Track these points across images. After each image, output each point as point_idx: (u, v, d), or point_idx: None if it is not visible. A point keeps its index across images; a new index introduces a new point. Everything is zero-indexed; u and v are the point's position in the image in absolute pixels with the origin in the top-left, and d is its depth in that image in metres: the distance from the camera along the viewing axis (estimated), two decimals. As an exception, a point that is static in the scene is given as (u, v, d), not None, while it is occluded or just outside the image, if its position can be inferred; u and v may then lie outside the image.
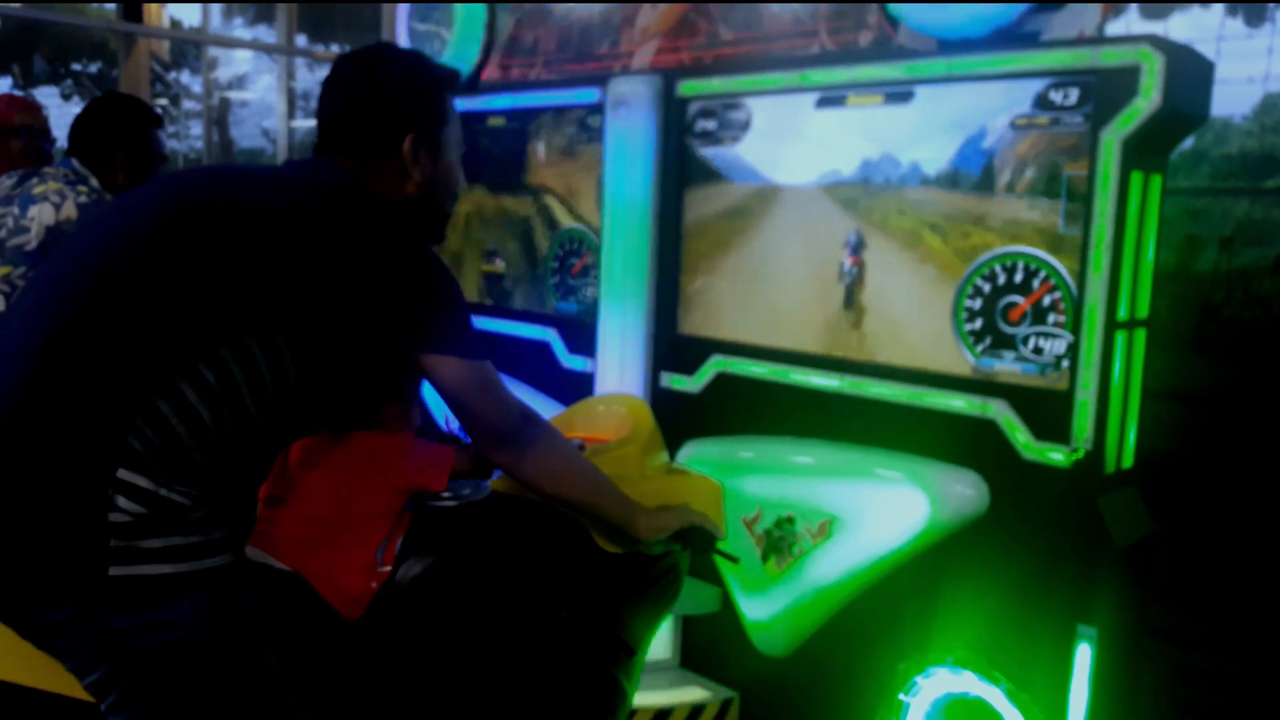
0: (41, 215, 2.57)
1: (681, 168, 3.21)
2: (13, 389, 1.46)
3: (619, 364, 3.29)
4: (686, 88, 3.15)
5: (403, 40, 4.07)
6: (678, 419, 3.10)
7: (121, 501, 1.42)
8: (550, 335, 3.60)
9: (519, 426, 1.75)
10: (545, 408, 2.98)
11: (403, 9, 4.09)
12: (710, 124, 3.15)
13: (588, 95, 3.41)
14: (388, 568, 1.85)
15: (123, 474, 1.42)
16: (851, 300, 2.81)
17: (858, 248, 2.79)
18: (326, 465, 1.86)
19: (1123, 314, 2.41)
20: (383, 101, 1.75)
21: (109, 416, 1.44)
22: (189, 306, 1.50)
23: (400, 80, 1.78)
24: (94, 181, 2.71)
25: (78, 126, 2.80)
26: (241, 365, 1.51)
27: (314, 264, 1.57)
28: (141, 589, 1.45)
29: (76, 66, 17.53)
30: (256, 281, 1.53)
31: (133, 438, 1.43)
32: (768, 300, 3.03)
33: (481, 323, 3.79)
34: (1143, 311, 2.49)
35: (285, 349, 1.55)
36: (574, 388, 3.37)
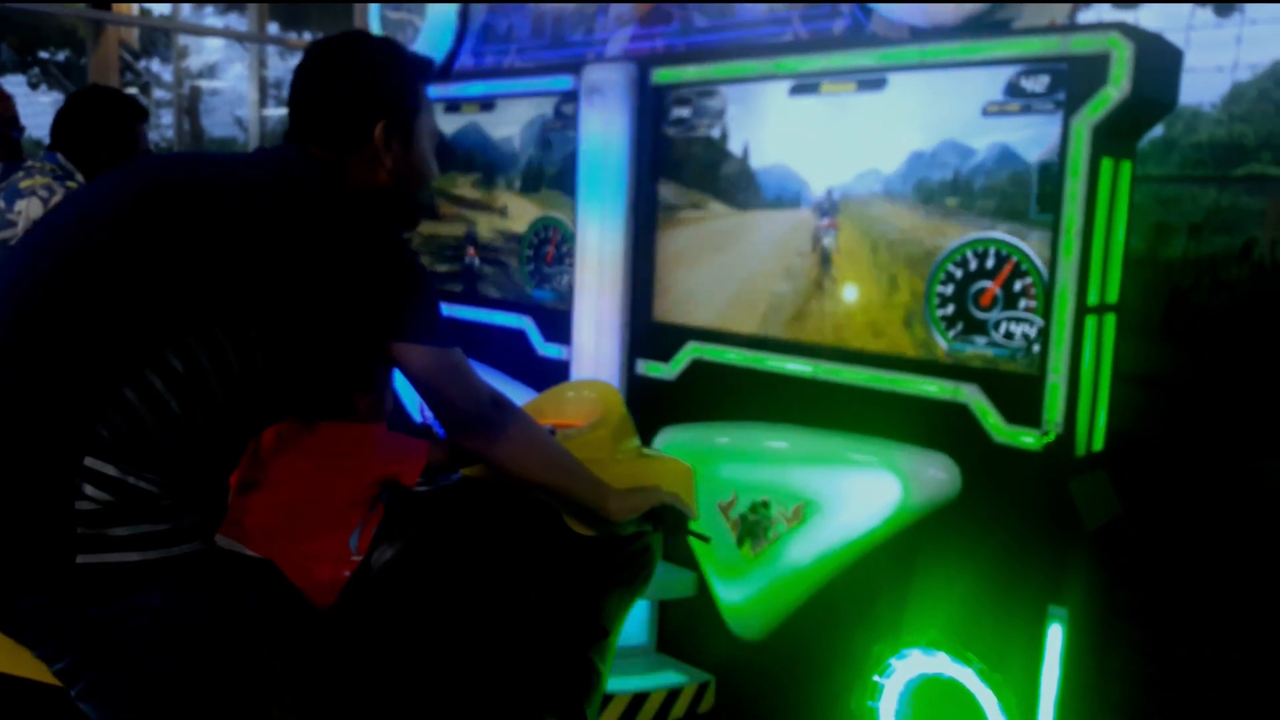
0: (29, 209, 2.56)
1: (656, 155, 3.21)
2: None
3: (594, 351, 3.30)
4: (661, 75, 3.16)
5: (375, 28, 4.06)
6: (654, 406, 3.11)
7: (89, 489, 1.42)
8: (525, 323, 3.60)
9: (489, 413, 1.75)
10: (521, 396, 3.00)
11: (375, 8, 4.07)
12: (685, 111, 3.16)
13: (562, 83, 3.41)
14: (360, 556, 1.85)
15: (90, 462, 1.42)
16: (824, 283, 2.83)
17: (825, 257, 2.82)
18: (298, 453, 1.86)
19: (1093, 299, 2.44)
20: (355, 88, 1.74)
21: (76, 405, 1.43)
22: (156, 295, 1.49)
23: (374, 67, 1.76)
24: (80, 176, 2.69)
25: (60, 121, 2.78)
26: (210, 354, 1.50)
27: (283, 252, 1.56)
28: (110, 577, 1.45)
29: (44, 54, 17.33)
30: (224, 270, 1.52)
31: (100, 426, 1.43)
32: (742, 287, 3.04)
33: (456, 311, 3.79)
34: (1113, 296, 2.52)
35: (254, 337, 1.54)
36: (549, 375, 3.37)
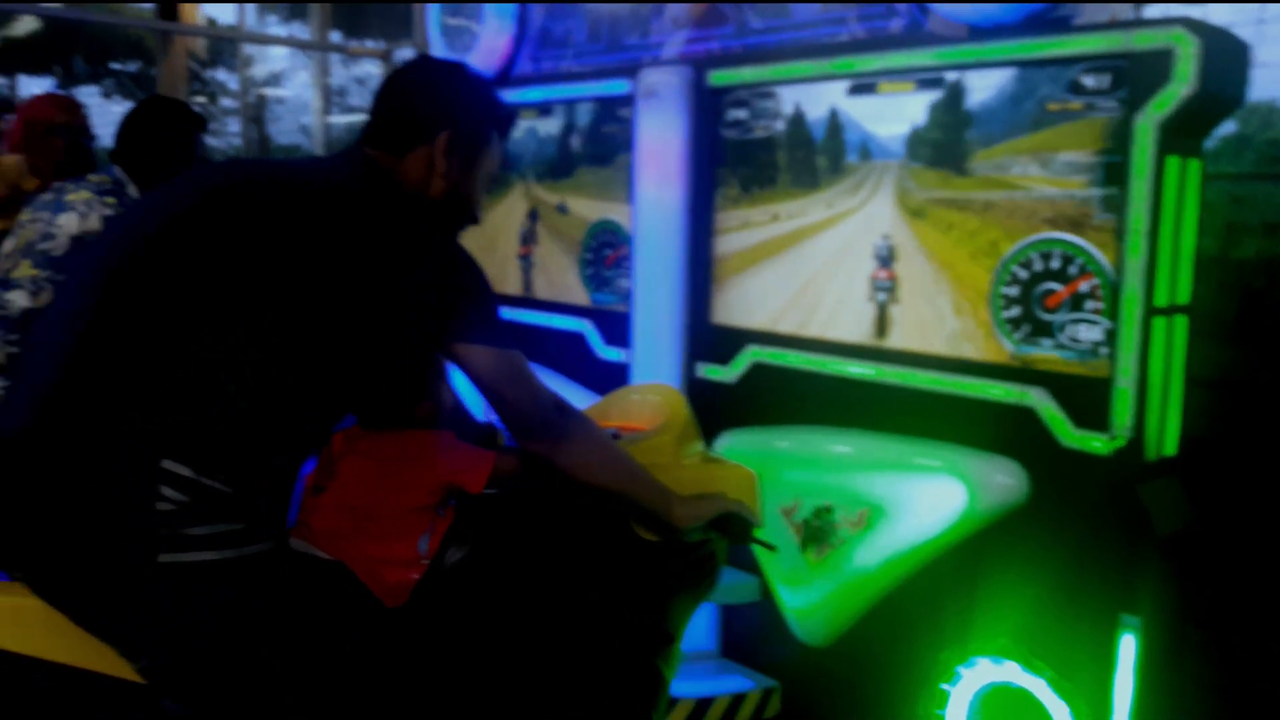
0: (68, 224, 2.67)
1: (713, 157, 3.20)
2: (57, 384, 1.49)
3: (654, 354, 3.30)
4: (717, 77, 3.15)
5: (435, 35, 4.09)
6: (714, 409, 3.10)
7: (167, 491, 1.46)
8: (585, 326, 3.61)
9: (552, 416, 1.77)
10: (581, 399, 3.00)
11: (434, 4, 4.11)
12: (741, 113, 3.14)
13: (618, 86, 3.41)
14: (429, 559, 1.87)
15: (167, 464, 1.46)
16: (886, 284, 2.80)
17: (888, 259, 2.79)
18: (364, 458, 1.89)
19: (1161, 300, 2.38)
20: (431, 97, 1.80)
21: (151, 408, 1.47)
22: (226, 299, 1.53)
23: (456, 86, 1.84)
24: (131, 190, 2.77)
25: (123, 131, 2.86)
26: (275, 355, 1.53)
27: (347, 254, 1.59)
28: (189, 575, 1.48)
29: (115, 66, 17.74)
30: (291, 272, 1.55)
31: (174, 428, 1.46)
32: (802, 289, 3.02)
33: (517, 314, 3.81)
34: (1183, 298, 2.46)
35: (321, 339, 1.57)
36: (609, 378, 3.38)
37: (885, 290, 2.81)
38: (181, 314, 1.51)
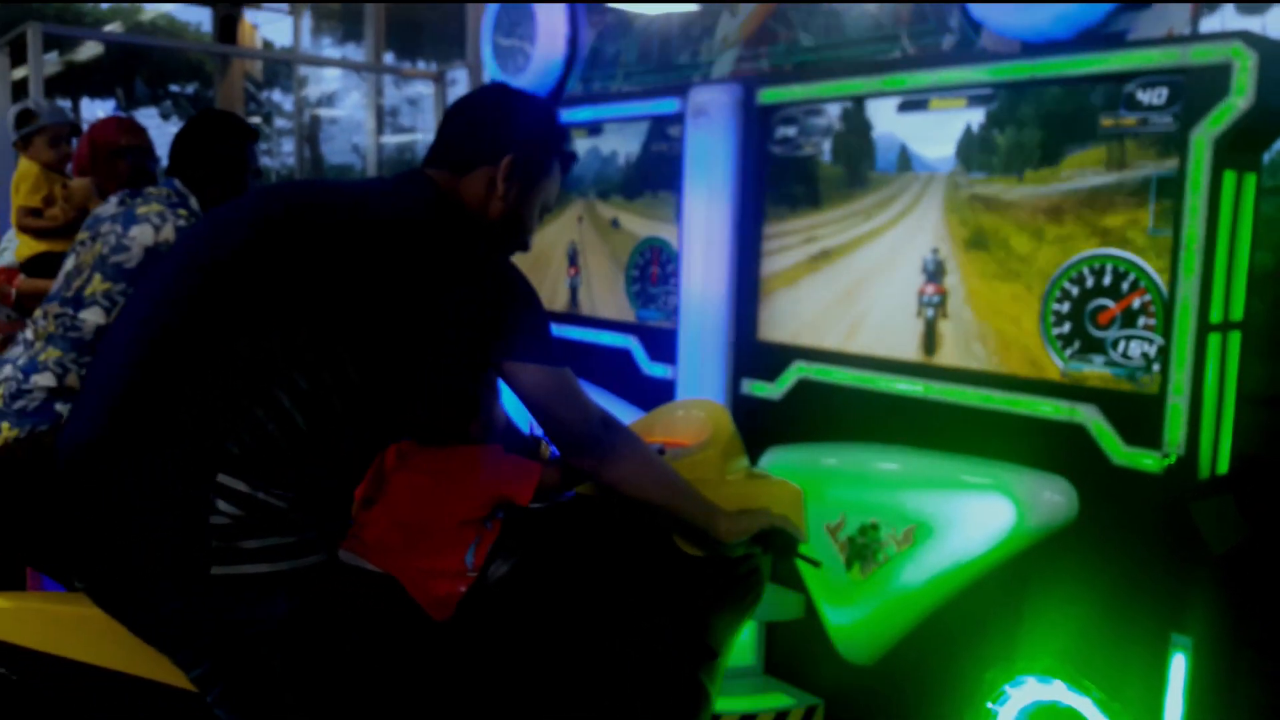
0: (142, 236, 2.65)
1: (761, 174, 3.21)
2: (120, 399, 1.53)
3: (699, 371, 3.31)
4: (767, 95, 3.16)
5: (488, 56, 4.15)
6: (759, 426, 3.10)
7: (221, 505, 1.48)
8: (631, 343, 3.62)
9: (600, 433, 1.78)
10: (627, 414, 3.01)
11: (488, 25, 4.16)
12: (791, 130, 3.15)
13: (668, 105, 3.44)
14: (475, 572, 1.88)
15: (222, 478, 1.49)
16: (934, 300, 2.79)
17: (936, 275, 2.78)
18: (415, 471, 1.91)
19: (1216, 316, 2.35)
20: (505, 121, 1.85)
21: (209, 424, 1.50)
22: (283, 315, 1.55)
23: (529, 116, 1.88)
24: (194, 203, 2.79)
25: (177, 144, 2.89)
26: (333, 372, 1.56)
27: (401, 273, 1.62)
28: (243, 587, 1.51)
29: (174, 88, 18.09)
30: (347, 289, 1.58)
31: (232, 443, 1.49)
32: (849, 305, 3.02)
33: (564, 330, 3.84)
34: (1237, 314, 2.43)
35: (375, 355, 1.59)
36: (655, 395, 3.39)
37: (933, 306, 2.80)
38: (244, 336, 1.54)
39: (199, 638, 1.54)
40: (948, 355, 2.78)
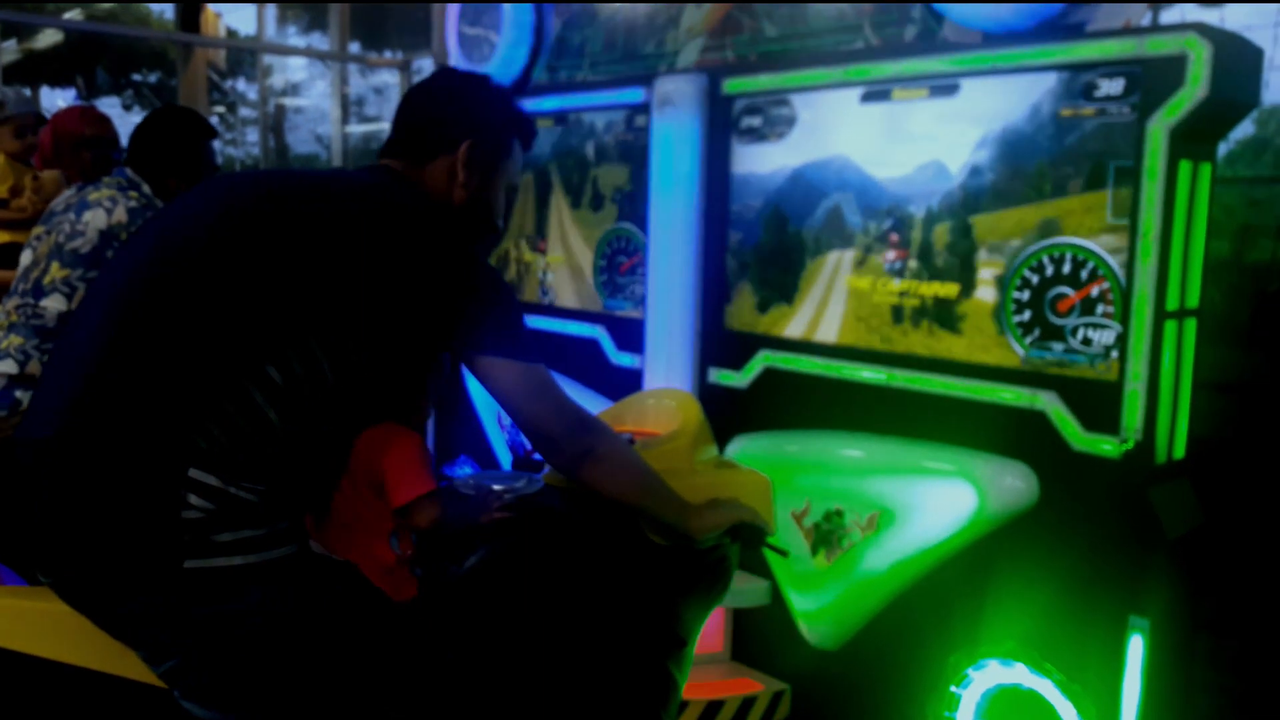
0: (95, 220, 2.68)
1: (726, 164, 3.23)
2: (83, 392, 1.51)
3: (667, 360, 3.32)
4: (731, 85, 3.18)
5: (452, 44, 4.13)
6: (726, 414, 3.12)
7: (193, 499, 1.47)
8: (598, 332, 3.63)
9: (576, 432, 1.75)
10: (595, 404, 3.03)
11: (452, 14, 4.15)
12: (755, 120, 3.17)
13: (634, 95, 3.45)
14: (408, 559, 1.88)
15: (194, 473, 1.48)
16: (898, 290, 2.82)
17: (898, 264, 2.81)
18: (354, 460, 1.89)
19: (1172, 304, 2.40)
20: (460, 107, 1.85)
21: (180, 418, 1.48)
22: (252, 308, 1.54)
23: (480, 99, 1.88)
24: (145, 188, 2.80)
25: (136, 137, 2.88)
26: (305, 365, 1.54)
27: (372, 265, 1.60)
28: (215, 580, 1.50)
29: (137, 77, 17.88)
30: (317, 282, 1.57)
31: (202, 438, 1.48)
32: (814, 294, 3.04)
33: (532, 320, 3.84)
34: (1193, 301, 2.47)
35: (347, 348, 1.58)
36: (623, 384, 3.40)
37: (896, 294, 2.83)
38: (211, 330, 1.53)
39: (169, 631, 1.53)
40: (910, 343, 2.81)
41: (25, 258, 2.74)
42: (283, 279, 1.56)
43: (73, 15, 14.73)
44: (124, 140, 3.58)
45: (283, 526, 1.58)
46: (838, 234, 2.97)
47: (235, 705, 1.57)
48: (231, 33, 13.43)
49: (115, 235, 2.69)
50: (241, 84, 17.58)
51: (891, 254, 2.83)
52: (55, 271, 2.65)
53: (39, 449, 1.51)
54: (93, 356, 1.53)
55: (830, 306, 3.00)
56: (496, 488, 2.38)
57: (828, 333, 3.01)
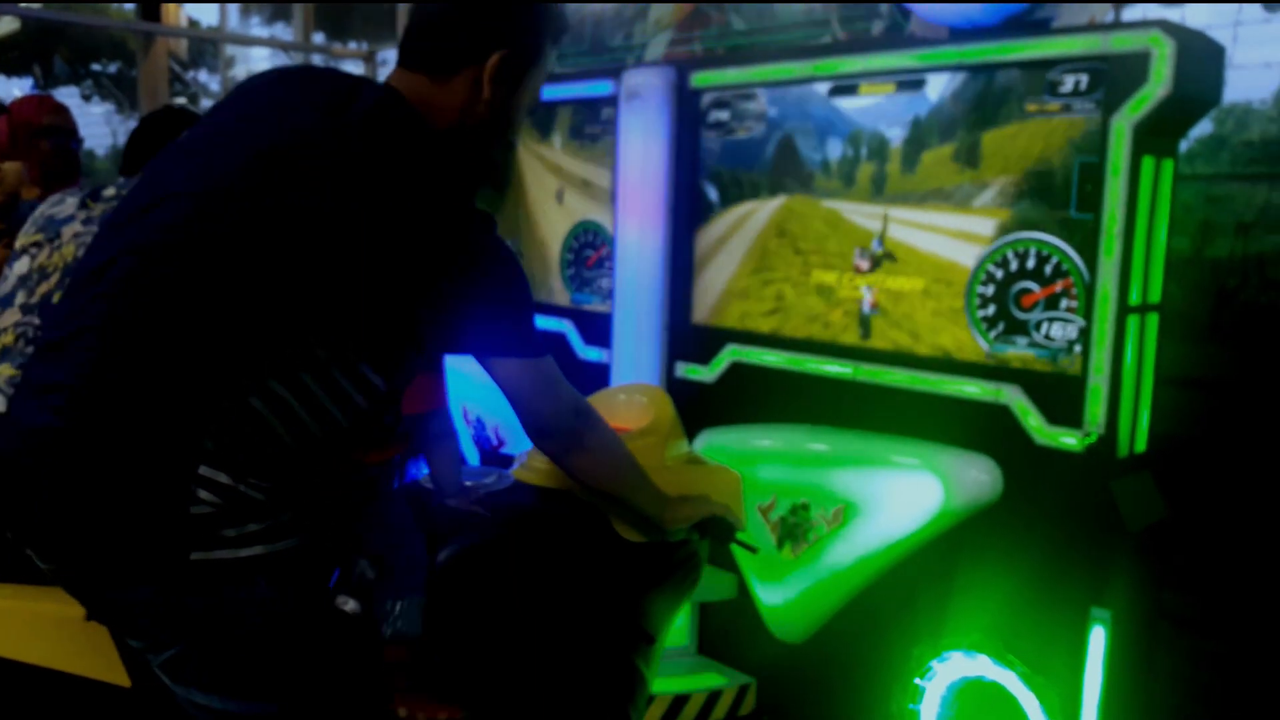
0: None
1: (694, 158, 3.23)
2: (91, 384, 1.47)
3: (634, 355, 3.32)
4: (699, 79, 3.17)
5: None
6: (693, 408, 3.11)
7: (203, 494, 1.45)
8: (566, 327, 3.62)
9: (570, 421, 1.73)
10: (562, 398, 3.01)
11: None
12: (723, 114, 3.17)
13: (602, 88, 3.44)
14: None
15: (204, 470, 1.45)
16: (864, 284, 2.83)
17: (866, 258, 2.81)
18: None
19: (1134, 299, 2.42)
20: (493, 9, 1.66)
21: (188, 417, 1.46)
22: (254, 316, 1.48)
23: (517, 2, 1.69)
24: None
25: (133, 142, 2.76)
26: (312, 371, 1.50)
27: (376, 275, 1.52)
28: (219, 571, 1.49)
29: (96, 67, 17.65)
30: (320, 286, 1.50)
31: (209, 439, 1.46)
32: (781, 289, 3.05)
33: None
34: (1155, 296, 2.50)
35: (351, 353, 1.54)
36: (590, 379, 3.40)
37: (863, 289, 2.84)
38: (209, 337, 1.48)
39: (172, 620, 1.51)
40: (876, 337, 2.82)
41: (21, 265, 2.58)
42: (282, 283, 1.49)
43: (30, 3, 14.52)
44: (84, 131, 3.53)
45: (285, 519, 1.56)
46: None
47: (236, 690, 1.56)
48: (194, 23, 13.29)
49: None
50: (204, 75, 17.41)
51: (858, 246, 2.84)
52: None
53: (40, 437, 1.47)
54: (99, 359, 1.47)
55: (797, 300, 3.01)
56: (467, 484, 2.37)
57: (794, 327, 3.01)
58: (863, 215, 2.83)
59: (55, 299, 2.45)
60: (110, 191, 2.69)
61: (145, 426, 1.46)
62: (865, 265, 2.83)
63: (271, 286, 1.49)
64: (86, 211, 2.61)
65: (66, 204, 2.66)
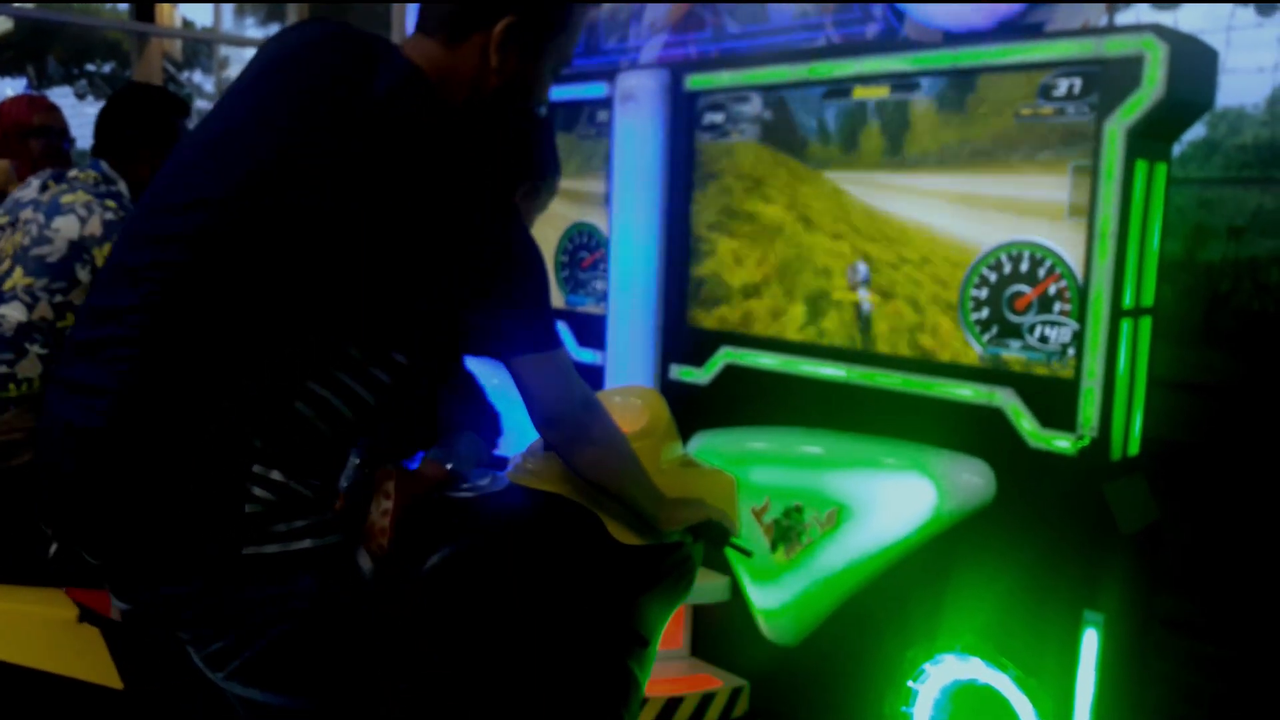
0: (66, 228, 2.48)
1: (689, 160, 3.23)
2: (132, 389, 1.46)
3: (628, 357, 3.32)
4: (694, 81, 3.18)
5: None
6: (687, 411, 3.10)
7: (257, 491, 1.46)
8: (560, 329, 3.61)
9: (579, 416, 1.72)
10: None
11: (412, 9, 4.12)
12: (718, 117, 3.17)
13: (596, 90, 3.43)
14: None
15: (258, 468, 1.46)
16: (858, 287, 2.83)
17: (860, 262, 2.82)
18: None
19: (1128, 302, 2.42)
20: None
21: (233, 420, 1.46)
22: (278, 319, 1.49)
23: None
24: (122, 187, 2.62)
25: (102, 121, 2.71)
26: (352, 372, 1.52)
27: (400, 279, 1.53)
28: (269, 565, 1.49)
29: (90, 67, 17.61)
30: (350, 290, 1.50)
31: (257, 438, 1.46)
32: (775, 291, 3.05)
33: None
34: (1148, 300, 2.50)
35: (390, 355, 1.56)
36: (584, 381, 3.38)
37: (857, 291, 2.84)
38: (251, 341, 1.48)
39: (220, 614, 1.51)
40: (871, 340, 2.82)
41: None
42: (313, 291, 1.49)
43: (24, 3, 14.49)
44: (76, 131, 3.52)
45: (330, 516, 1.57)
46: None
47: (280, 684, 1.56)
48: (187, 23, 13.27)
49: (86, 248, 2.48)
50: (198, 76, 17.38)
51: (852, 249, 2.84)
52: (19, 277, 2.45)
53: (88, 438, 1.47)
54: (142, 355, 1.47)
55: (792, 303, 3.01)
56: (462, 486, 2.36)
57: (788, 329, 3.01)
58: (853, 218, 2.83)
59: (6, 287, 2.44)
60: (74, 173, 2.64)
61: (192, 428, 1.47)
62: (856, 270, 2.83)
63: (297, 290, 1.49)
64: (46, 194, 2.58)
65: (31, 187, 2.64)
